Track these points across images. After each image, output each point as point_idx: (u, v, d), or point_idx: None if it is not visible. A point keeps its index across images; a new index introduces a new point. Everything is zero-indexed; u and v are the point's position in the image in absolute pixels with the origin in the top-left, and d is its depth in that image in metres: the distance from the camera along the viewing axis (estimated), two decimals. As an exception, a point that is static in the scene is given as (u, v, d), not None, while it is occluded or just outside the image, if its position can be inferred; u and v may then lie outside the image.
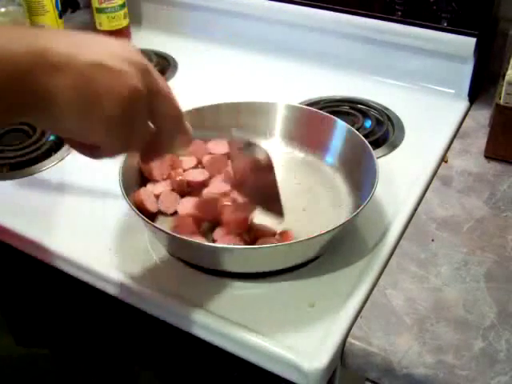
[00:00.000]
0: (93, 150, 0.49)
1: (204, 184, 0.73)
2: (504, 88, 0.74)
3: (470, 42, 0.88)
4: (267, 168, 0.64)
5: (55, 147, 0.87)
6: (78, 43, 0.44)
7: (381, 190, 0.66)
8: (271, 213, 0.66)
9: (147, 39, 1.17)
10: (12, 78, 0.40)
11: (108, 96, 0.43)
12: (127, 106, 0.44)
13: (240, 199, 0.69)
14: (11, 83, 0.41)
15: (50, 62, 0.41)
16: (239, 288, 0.63)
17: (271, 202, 0.65)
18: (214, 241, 0.65)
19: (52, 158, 0.84)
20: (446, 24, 0.89)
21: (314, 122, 0.79)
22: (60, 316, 0.87)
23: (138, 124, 0.47)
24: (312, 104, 0.91)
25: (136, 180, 0.72)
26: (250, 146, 0.64)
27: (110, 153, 0.49)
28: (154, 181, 0.73)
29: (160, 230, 0.60)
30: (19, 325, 0.97)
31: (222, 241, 0.64)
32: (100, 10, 1.10)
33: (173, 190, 0.72)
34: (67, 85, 0.42)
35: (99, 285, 0.67)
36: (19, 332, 0.96)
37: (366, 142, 0.71)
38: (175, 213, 0.70)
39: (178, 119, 0.50)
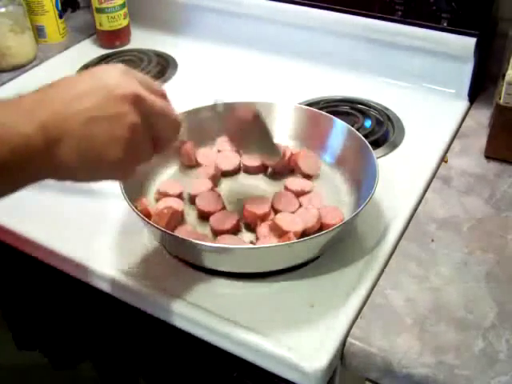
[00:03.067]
0: None
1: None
2: (504, 88, 0.74)
3: (470, 42, 0.88)
4: (256, 118, 0.67)
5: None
6: (66, 102, 0.45)
7: (381, 190, 0.66)
8: (268, 155, 0.71)
9: (147, 39, 1.17)
10: (21, 157, 0.43)
11: (111, 144, 0.46)
12: (130, 143, 0.47)
13: None
14: (22, 160, 0.43)
15: (51, 136, 0.44)
16: (239, 288, 0.63)
17: (266, 146, 0.70)
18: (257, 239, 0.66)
19: (52, 158, 0.84)
20: (446, 24, 0.89)
21: (313, 121, 0.79)
22: (58, 317, 0.87)
23: (143, 147, 0.50)
24: (312, 104, 0.91)
25: (136, 180, 0.72)
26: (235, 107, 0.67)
27: (125, 177, 0.52)
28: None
29: (160, 229, 0.60)
30: (18, 326, 0.97)
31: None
32: (100, 10, 1.10)
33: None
34: (72, 150, 0.45)
35: (99, 284, 0.67)
36: (18, 334, 0.96)
37: (366, 141, 0.71)
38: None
39: (174, 128, 0.53)
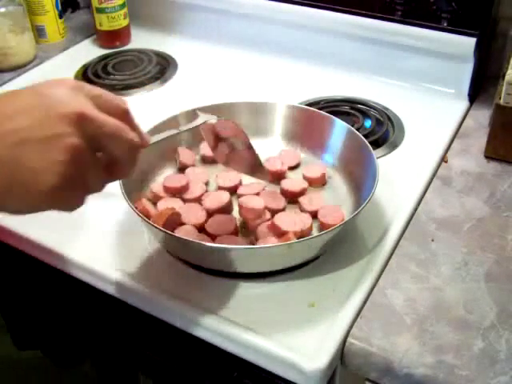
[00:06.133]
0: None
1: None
2: (504, 88, 0.74)
3: (470, 42, 0.88)
4: (243, 141, 0.66)
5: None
6: (7, 123, 0.40)
7: (381, 190, 0.66)
8: (257, 176, 0.70)
9: (147, 39, 1.17)
10: None
11: (42, 170, 0.41)
12: (69, 168, 0.42)
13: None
14: None
15: None
16: (239, 288, 0.63)
17: (255, 168, 0.69)
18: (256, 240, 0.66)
19: (52, 158, 0.84)
20: (446, 24, 0.89)
21: (313, 122, 0.79)
22: (59, 317, 0.87)
23: (90, 173, 0.44)
24: (312, 104, 0.91)
25: (136, 180, 0.72)
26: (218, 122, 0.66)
27: (71, 208, 0.46)
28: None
29: (160, 229, 0.60)
30: (18, 327, 0.97)
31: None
32: (100, 10, 1.10)
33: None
34: None
35: (99, 285, 0.67)
36: (18, 335, 0.96)
37: (366, 141, 0.71)
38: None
39: (131, 152, 0.47)
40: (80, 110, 0.42)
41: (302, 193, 0.72)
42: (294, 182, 0.74)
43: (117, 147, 0.45)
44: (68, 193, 0.43)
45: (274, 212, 0.69)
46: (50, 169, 0.41)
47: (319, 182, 0.75)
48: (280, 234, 0.64)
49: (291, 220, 0.66)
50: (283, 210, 0.70)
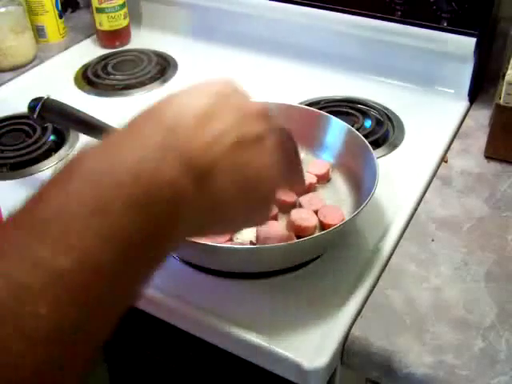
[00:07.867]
0: None
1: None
2: (504, 88, 0.74)
3: (469, 42, 0.88)
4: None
5: (55, 147, 0.87)
6: (195, 128, 0.36)
7: (381, 190, 0.66)
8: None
9: (147, 39, 1.17)
10: (171, 210, 0.33)
11: (266, 168, 0.39)
12: (279, 165, 0.40)
13: None
14: (171, 216, 0.33)
15: (199, 170, 0.35)
16: (239, 288, 0.63)
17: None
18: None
19: (52, 157, 0.84)
20: (446, 24, 0.89)
21: (313, 122, 0.79)
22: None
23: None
24: (312, 104, 0.91)
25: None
26: None
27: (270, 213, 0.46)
28: None
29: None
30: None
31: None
32: (100, 10, 1.10)
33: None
34: (227, 180, 0.36)
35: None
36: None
37: (366, 141, 0.71)
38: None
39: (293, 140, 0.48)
40: (262, 107, 0.40)
41: (310, 188, 0.73)
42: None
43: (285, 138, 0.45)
44: (278, 190, 0.42)
45: (285, 205, 0.69)
46: (271, 167, 0.39)
47: (325, 179, 0.75)
48: (300, 230, 0.65)
49: (307, 216, 0.67)
50: (295, 203, 0.71)
